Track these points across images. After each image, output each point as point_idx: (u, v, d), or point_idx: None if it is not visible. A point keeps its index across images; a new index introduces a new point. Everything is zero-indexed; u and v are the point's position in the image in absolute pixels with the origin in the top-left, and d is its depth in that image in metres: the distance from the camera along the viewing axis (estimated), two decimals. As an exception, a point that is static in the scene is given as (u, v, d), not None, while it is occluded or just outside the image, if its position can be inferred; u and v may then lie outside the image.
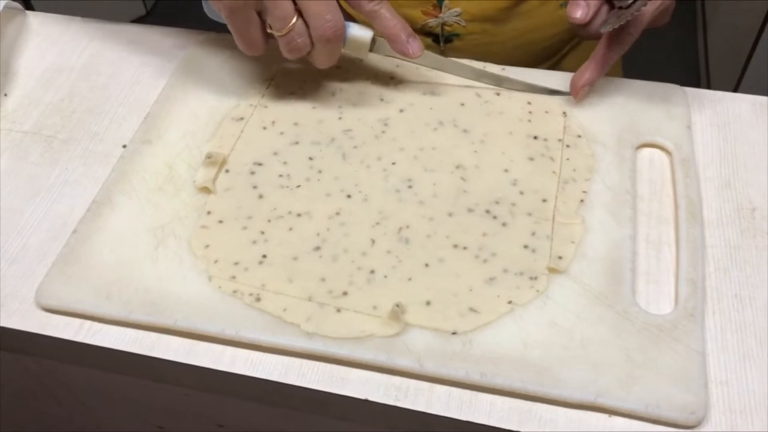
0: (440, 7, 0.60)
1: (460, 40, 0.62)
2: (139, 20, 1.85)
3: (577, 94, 0.50)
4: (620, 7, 0.48)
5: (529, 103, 0.52)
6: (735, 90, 1.39)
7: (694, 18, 1.75)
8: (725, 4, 1.56)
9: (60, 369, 0.47)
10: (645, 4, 0.46)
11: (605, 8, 0.49)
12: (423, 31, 0.62)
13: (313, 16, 0.46)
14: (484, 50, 0.62)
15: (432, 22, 0.61)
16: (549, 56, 0.66)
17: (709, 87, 1.57)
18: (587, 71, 0.50)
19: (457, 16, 0.58)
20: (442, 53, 0.62)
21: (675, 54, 1.70)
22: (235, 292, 0.42)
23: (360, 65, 0.55)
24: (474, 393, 0.39)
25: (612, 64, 0.51)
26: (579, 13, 0.48)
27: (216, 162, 0.48)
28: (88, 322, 0.42)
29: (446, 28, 0.61)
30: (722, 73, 1.51)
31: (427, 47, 0.61)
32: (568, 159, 0.48)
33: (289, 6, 0.45)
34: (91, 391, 0.49)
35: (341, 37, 0.47)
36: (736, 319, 0.41)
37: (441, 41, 0.62)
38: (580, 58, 0.68)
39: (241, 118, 0.52)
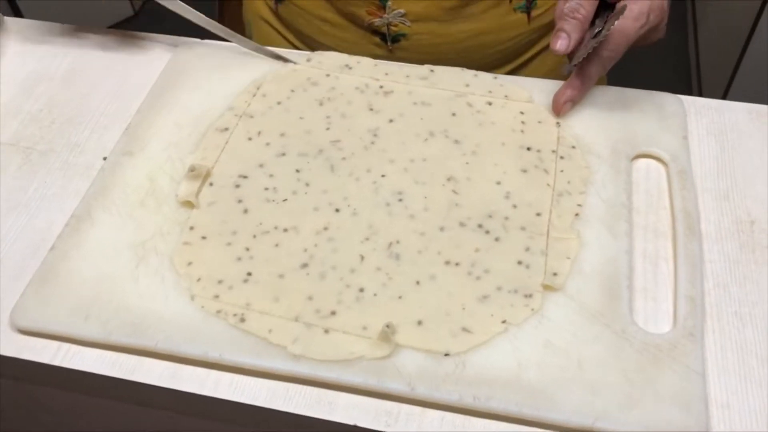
0: (384, 8, 0.59)
1: (407, 40, 0.61)
2: (127, 21, 1.83)
3: (560, 110, 0.50)
4: (592, 36, 0.48)
5: (521, 112, 0.51)
6: (727, 90, 1.38)
7: (684, 19, 1.75)
8: (716, 4, 1.56)
9: (39, 391, 0.45)
10: (605, 35, 0.47)
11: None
12: (370, 30, 0.61)
13: None
14: (433, 50, 0.61)
15: (377, 21, 0.60)
16: (507, 60, 0.65)
17: (700, 88, 1.56)
18: (569, 88, 0.50)
19: (401, 16, 0.58)
20: (390, 53, 0.62)
21: (666, 55, 1.69)
22: (218, 312, 0.41)
23: (348, 73, 0.54)
24: (467, 417, 0.37)
25: (594, 83, 0.50)
26: (559, 44, 0.48)
27: (199, 175, 0.46)
28: (66, 345, 0.41)
29: (392, 28, 0.61)
30: (713, 75, 1.50)
31: (375, 46, 0.62)
32: (562, 171, 0.47)
33: None
34: (73, 414, 0.47)
35: None
36: (736, 337, 0.40)
37: (388, 41, 0.62)
38: (545, 65, 0.67)
39: (226, 129, 0.50)
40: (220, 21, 0.78)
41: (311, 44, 0.66)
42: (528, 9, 0.62)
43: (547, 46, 0.66)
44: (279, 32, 0.69)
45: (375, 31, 0.61)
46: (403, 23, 0.57)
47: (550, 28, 0.65)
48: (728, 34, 1.41)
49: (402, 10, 0.58)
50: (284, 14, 0.66)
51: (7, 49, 0.58)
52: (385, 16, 0.60)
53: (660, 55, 1.68)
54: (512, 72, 0.65)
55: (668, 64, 1.68)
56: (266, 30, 0.70)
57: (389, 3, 0.59)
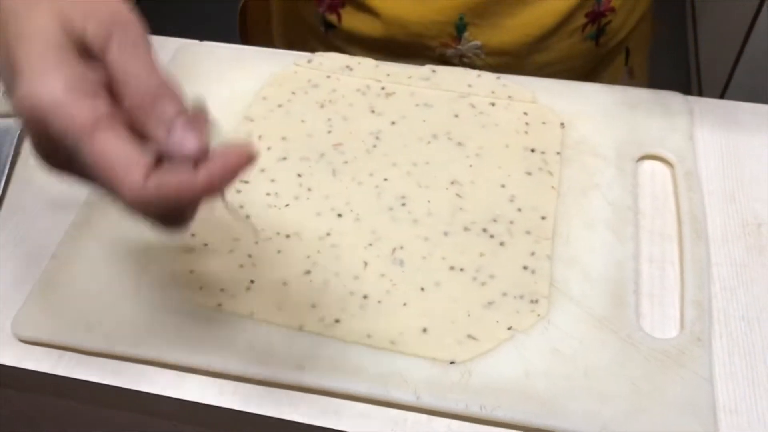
0: (459, 39, 0.57)
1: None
2: (123, 19, 1.81)
3: None
4: None
5: (525, 113, 0.50)
6: (725, 88, 1.38)
7: (683, 17, 1.74)
8: (714, 2, 1.55)
9: (42, 401, 0.45)
10: None
11: None
12: (440, 60, 0.58)
13: None
14: None
15: (449, 52, 0.58)
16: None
17: (699, 85, 1.56)
18: None
19: (477, 49, 0.55)
20: None
21: (664, 53, 1.69)
22: (221, 321, 0.40)
23: (350, 75, 0.53)
24: (474, 426, 0.37)
25: None
26: None
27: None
28: (67, 354, 0.40)
29: (464, 59, 0.58)
30: (712, 72, 1.50)
31: None
32: (567, 173, 0.47)
33: None
34: (76, 423, 0.47)
35: None
36: (743, 342, 0.40)
37: None
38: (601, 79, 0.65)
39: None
40: (243, 41, 0.75)
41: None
42: (597, 36, 0.60)
43: (605, 64, 0.63)
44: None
45: (445, 61, 0.59)
46: (478, 56, 0.54)
47: (613, 50, 0.63)
48: (727, 31, 1.41)
49: (479, 42, 0.55)
50: (335, 41, 0.62)
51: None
52: (459, 47, 0.57)
53: (659, 52, 1.68)
54: None
55: (667, 61, 1.68)
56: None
57: (466, 34, 0.56)
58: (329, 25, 0.62)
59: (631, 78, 0.68)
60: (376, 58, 0.54)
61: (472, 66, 0.58)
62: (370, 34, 0.60)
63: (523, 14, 0.57)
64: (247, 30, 0.74)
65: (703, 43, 1.60)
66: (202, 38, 0.57)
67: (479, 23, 0.57)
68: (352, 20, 0.60)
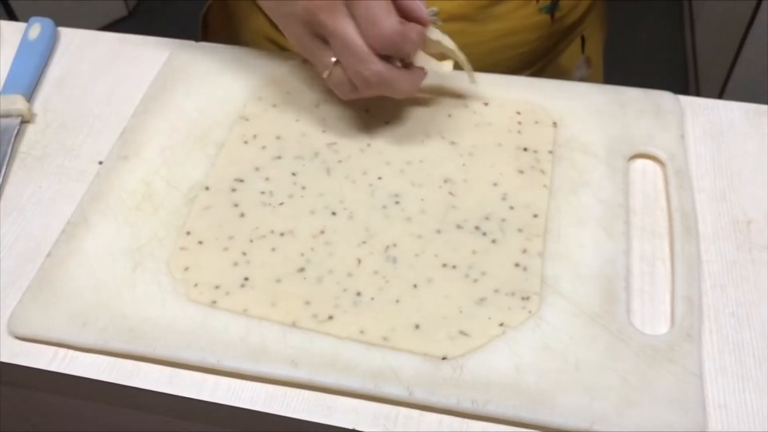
0: None
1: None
2: (121, 21, 1.82)
3: None
4: None
5: (518, 113, 0.51)
6: (723, 88, 1.38)
7: (680, 17, 1.75)
8: (712, 2, 1.56)
9: (36, 397, 0.45)
10: None
11: None
12: None
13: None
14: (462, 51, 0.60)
15: None
16: (528, 63, 0.65)
17: (697, 86, 1.56)
18: None
19: (434, 15, 0.56)
20: None
21: (662, 54, 1.69)
22: (215, 317, 0.41)
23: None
24: (465, 420, 0.37)
25: None
26: None
27: None
28: (62, 350, 0.41)
29: None
30: (710, 73, 1.50)
31: None
32: (559, 171, 0.47)
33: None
34: (69, 419, 0.47)
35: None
36: (733, 338, 0.40)
37: None
38: (558, 69, 0.67)
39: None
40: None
41: None
42: (552, 10, 0.61)
43: (563, 49, 0.66)
44: (283, 48, 0.65)
45: None
46: (436, 23, 0.55)
47: (568, 31, 0.65)
48: (725, 31, 1.41)
49: (435, 9, 0.57)
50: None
51: (0, 53, 0.58)
52: None
53: (656, 53, 1.68)
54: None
55: (664, 62, 1.69)
56: (270, 48, 0.66)
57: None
58: None
59: (588, 68, 0.70)
60: None
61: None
62: None
63: None
64: (208, 32, 0.74)
65: (700, 43, 1.61)
66: (198, 39, 0.57)
67: None
68: None
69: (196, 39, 0.57)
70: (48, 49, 0.57)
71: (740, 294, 0.42)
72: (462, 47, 0.59)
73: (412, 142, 0.49)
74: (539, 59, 0.65)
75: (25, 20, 0.59)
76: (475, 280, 0.42)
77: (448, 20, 0.58)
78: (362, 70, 0.44)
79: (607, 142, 0.49)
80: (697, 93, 1.54)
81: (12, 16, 1.67)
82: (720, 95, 1.38)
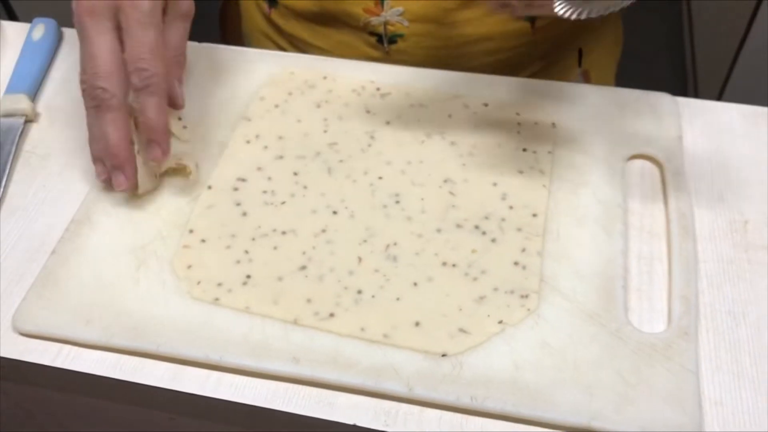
0: (381, 5, 0.58)
1: (405, 41, 0.60)
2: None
3: None
4: None
5: (517, 113, 0.51)
6: (722, 90, 1.39)
7: (679, 19, 1.76)
8: (711, 3, 1.56)
9: (40, 393, 0.46)
10: None
11: None
12: (366, 30, 0.60)
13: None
14: (431, 54, 0.60)
15: (374, 20, 0.59)
16: (508, 72, 0.60)
17: (696, 88, 1.57)
18: None
19: (399, 15, 0.57)
20: (387, 55, 0.61)
21: (661, 55, 1.70)
22: (218, 314, 0.41)
23: (345, 76, 0.54)
24: (465, 417, 0.38)
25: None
26: None
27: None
28: (67, 347, 0.41)
29: (389, 27, 0.59)
30: (709, 74, 1.51)
31: (371, 48, 0.61)
32: (558, 172, 0.48)
33: None
34: (73, 416, 0.47)
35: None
36: (729, 337, 0.41)
37: (385, 42, 0.60)
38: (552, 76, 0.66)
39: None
40: (223, 38, 0.78)
41: (305, 49, 0.65)
42: (532, 17, 0.60)
43: (553, 62, 0.65)
44: (273, 41, 0.68)
45: (371, 33, 0.61)
46: (401, 23, 0.55)
47: (557, 43, 0.64)
48: (724, 33, 1.42)
49: (400, 8, 0.56)
50: (277, 19, 0.66)
51: (4, 53, 0.58)
52: (383, 14, 0.59)
53: (655, 54, 1.69)
54: None
55: (663, 63, 1.69)
56: (262, 41, 0.69)
57: (387, 1, 0.58)
58: (272, 1, 0.65)
59: (584, 82, 0.68)
60: (312, 33, 0.56)
61: (398, 35, 0.59)
62: (303, 7, 0.62)
63: None
64: (226, 30, 0.76)
65: (699, 45, 1.61)
66: (200, 40, 0.58)
67: None
68: None
69: (197, 37, 0.58)
70: (52, 49, 0.58)
71: (736, 293, 0.42)
72: (432, 50, 0.59)
73: (413, 143, 0.50)
74: (524, 68, 0.64)
75: (26, 21, 0.60)
76: (475, 279, 0.42)
77: (414, 21, 0.59)
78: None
79: (605, 144, 0.49)
80: (696, 95, 1.54)
81: (13, 18, 1.67)
82: (719, 97, 1.38)
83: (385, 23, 0.60)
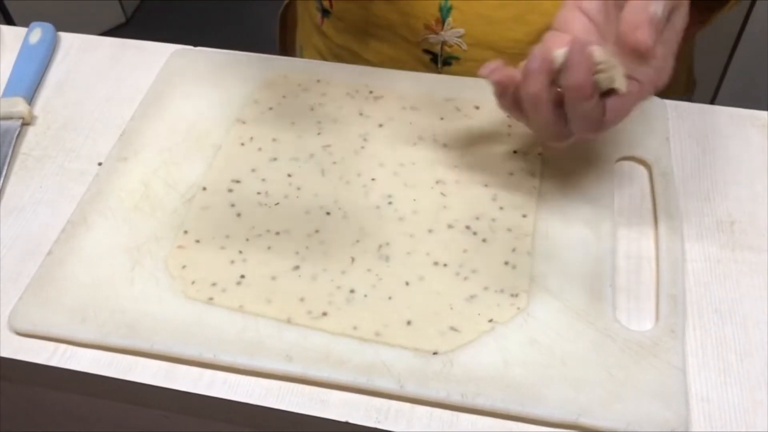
0: (442, 24, 0.56)
1: (459, 65, 0.58)
2: (119, 28, 1.83)
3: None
4: None
5: (508, 116, 0.52)
6: (715, 94, 1.39)
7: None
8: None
9: (36, 392, 0.46)
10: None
11: None
12: (421, 47, 0.59)
13: None
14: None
15: (432, 38, 0.57)
16: None
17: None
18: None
19: (458, 37, 0.54)
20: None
21: (655, 59, 1.70)
22: (212, 313, 0.42)
23: (339, 79, 0.55)
24: (455, 413, 0.38)
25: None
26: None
27: None
28: (62, 346, 0.42)
29: (446, 48, 0.57)
30: (702, 78, 1.52)
31: (424, 66, 0.58)
32: (547, 173, 0.48)
33: None
34: (68, 414, 0.48)
35: None
36: (715, 334, 0.41)
37: (439, 62, 0.58)
38: None
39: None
40: (281, 48, 0.77)
41: (353, 63, 0.61)
42: None
43: None
44: (322, 55, 0.66)
45: (426, 51, 0.58)
46: (459, 45, 0.53)
47: None
48: (716, 37, 1.43)
49: (461, 30, 0.54)
50: (328, 30, 0.63)
51: (1, 57, 0.59)
52: (442, 33, 0.56)
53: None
54: None
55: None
56: (312, 54, 0.67)
57: (450, 19, 0.55)
58: (325, 11, 0.63)
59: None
60: (363, 46, 0.54)
61: (453, 57, 0.56)
62: (358, 17, 0.60)
63: (514, 7, 0.54)
64: (285, 41, 0.75)
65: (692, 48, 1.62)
66: (196, 44, 0.59)
67: (464, 9, 0.55)
68: (341, 3, 0.61)
69: (193, 45, 0.59)
70: (48, 53, 0.58)
71: (723, 292, 0.43)
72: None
73: (405, 145, 0.50)
74: None
75: (23, 26, 0.61)
76: (466, 278, 0.43)
77: (473, 45, 0.55)
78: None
79: (595, 146, 0.50)
80: (689, 97, 1.55)
81: (10, 22, 1.68)
82: (712, 100, 1.39)
83: (443, 43, 0.57)
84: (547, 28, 0.44)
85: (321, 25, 0.64)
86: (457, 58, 0.58)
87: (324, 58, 0.66)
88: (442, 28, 0.57)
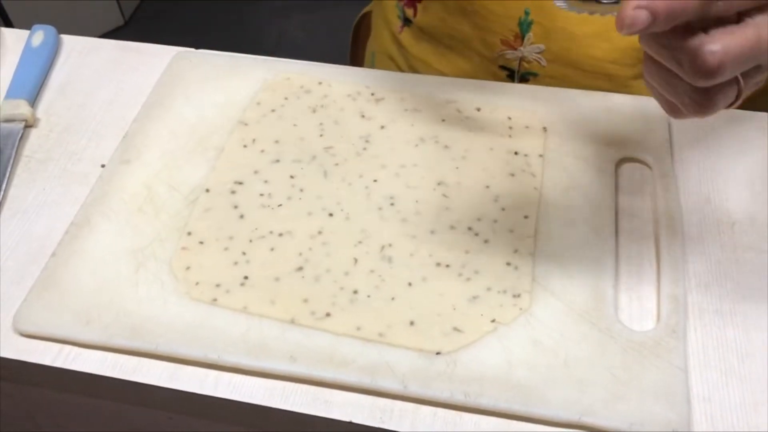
0: (522, 39, 0.54)
1: (537, 81, 0.56)
2: (118, 30, 1.84)
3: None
4: None
5: (509, 118, 0.52)
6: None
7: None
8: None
9: (39, 394, 0.46)
10: None
11: None
12: (497, 63, 0.57)
13: None
14: None
15: (509, 54, 0.56)
16: None
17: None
18: None
19: (538, 53, 0.52)
20: None
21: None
22: (216, 314, 0.42)
23: (339, 81, 0.55)
24: (459, 413, 0.39)
25: None
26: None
27: None
28: (67, 347, 0.42)
29: (524, 64, 0.56)
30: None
31: (498, 81, 0.56)
32: (549, 174, 0.49)
33: None
34: (72, 416, 0.48)
35: None
36: (717, 335, 0.41)
37: (516, 78, 0.57)
38: None
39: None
40: (353, 55, 0.76)
41: (426, 74, 0.61)
42: None
43: None
44: (397, 64, 0.65)
45: (503, 66, 0.57)
46: (539, 61, 0.50)
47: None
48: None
49: (541, 46, 0.52)
50: (406, 39, 0.62)
51: (4, 60, 0.59)
52: (521, 48, 0.55)
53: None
54: None
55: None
56: (385, 62, 0.66)
57: (530, 34, 0.54)
58: (407, 20, 0.62)
59: None
60: (439, 58, 0.53)
61: (531, 73, 0.54)
62: (438, 29, 0.59)
63: (597, 23, 0.52)
64: (357, 49, 0.74)
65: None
66: (197, 46, 0.59)
67: (545, 24, 0.53)
68: (424, 14, 0.59)
69: (192, 47, 0.59)
70: (51, 55, 0.58)
71: (724, 292, 0.43)
72: None
73: (407, 146, 0.51)
74: None
75: (25, 28, 0.61)
76: (468, 279, 0.43)
77: (553, 61, 0.53)
78: None
79: (595, 147, 0.50)
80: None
81: (9, 25, 1.68)
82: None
83: (521, 59, 0.56)
84: (629, 45, 0.41)
85: (399, 33, 0.63)
86: (535, 75, 0.57)
87: (398, 68, 0.65)
88: (521, 44, 0.55)
